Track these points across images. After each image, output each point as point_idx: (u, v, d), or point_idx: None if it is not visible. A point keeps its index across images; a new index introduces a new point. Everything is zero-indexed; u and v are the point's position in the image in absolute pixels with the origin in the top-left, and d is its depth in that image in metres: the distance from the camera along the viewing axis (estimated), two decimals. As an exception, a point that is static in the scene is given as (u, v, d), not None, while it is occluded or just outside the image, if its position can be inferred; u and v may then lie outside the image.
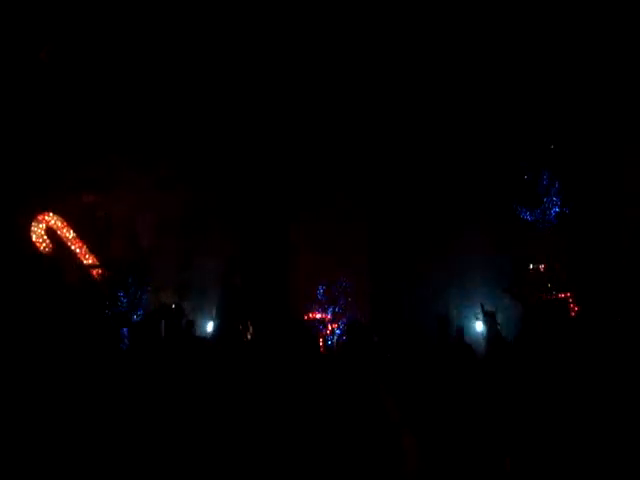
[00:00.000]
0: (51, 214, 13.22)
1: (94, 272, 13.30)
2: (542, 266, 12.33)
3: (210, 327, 11.01)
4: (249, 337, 11.43)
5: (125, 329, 11.94)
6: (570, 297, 12.04)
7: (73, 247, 13.27)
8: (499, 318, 10.60)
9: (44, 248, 13.06)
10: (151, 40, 12.05)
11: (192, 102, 12.86)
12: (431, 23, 11.75)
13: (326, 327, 12.29)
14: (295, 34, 11.87)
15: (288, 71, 12.49)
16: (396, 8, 11.49)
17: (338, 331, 12.17)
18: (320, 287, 12.57)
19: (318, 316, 12.43)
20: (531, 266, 12.55)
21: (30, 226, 12.97)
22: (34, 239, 12.97)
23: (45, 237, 13.09)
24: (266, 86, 12.70)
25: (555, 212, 12.59)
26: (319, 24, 11.70)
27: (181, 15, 11.65)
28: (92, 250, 13.32)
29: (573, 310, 11.89)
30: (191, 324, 10.44)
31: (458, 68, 12.25)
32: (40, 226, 13.10)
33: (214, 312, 11.34)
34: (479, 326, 11.43)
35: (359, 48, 12.06)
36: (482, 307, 8.50)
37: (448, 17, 11.69)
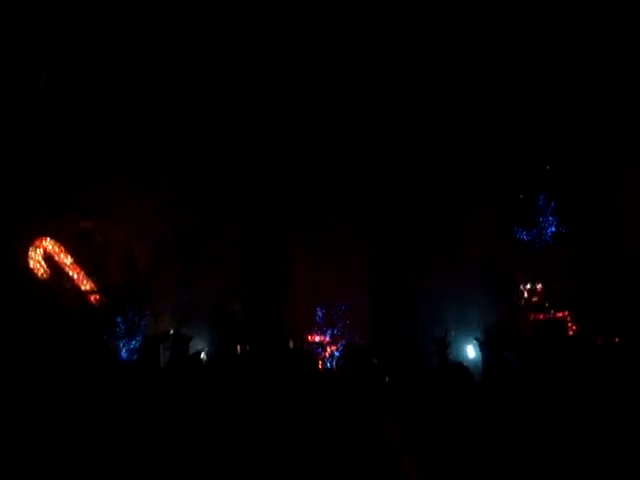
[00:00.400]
0: (49, 239, 13.21)
1: (92, 298, 13.28)
2: (539, 286, 12.37)
3: (203, 354, 10.96)
4: (246, 359, 11.45)
5: (124, 354, 11.95)
6: (568, 316, 12.07)
7: (71, 272, 13.25)
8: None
9: (42, 274, 13.03)
10: (146, 65, 12.12)
11: (189, 126, 12.90)
12: (431, 41, 11.84)
13: (325, 350, 12.27)
14: (294, 42, 11.92)
15: (287, 84, 12.54)
16: (392, 20, 11.54)
17: (337, 353, 12.15)
18: (319, 310, 12.57)
19: (317, 339, 12.42)
20: (529, 286, 12.58)
21: (28, 252, 12.96)
22: (32, 265, 12.96)
23: (43, 262, 13.08)
24: (264, 105, 12.75)
25: (551, 232, 12.65)
26: (321, 34, 11.75)
27: (176, 32, 11.71)
28: (90, 275, 13.30)
29: (571, 329, 11.92)
30: (188, 340, 10.37)
31: (455, 87, 12.32)
32: (38, 251, 13.08)
33: (210, 338, 11.30)
34: (470, 351, 11.44)
35: (360, 58, 12.10)
36: (485, 332, 8.41)
37: (448, 33, 11.79)
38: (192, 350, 10.32)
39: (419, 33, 11.69)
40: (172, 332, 11.75)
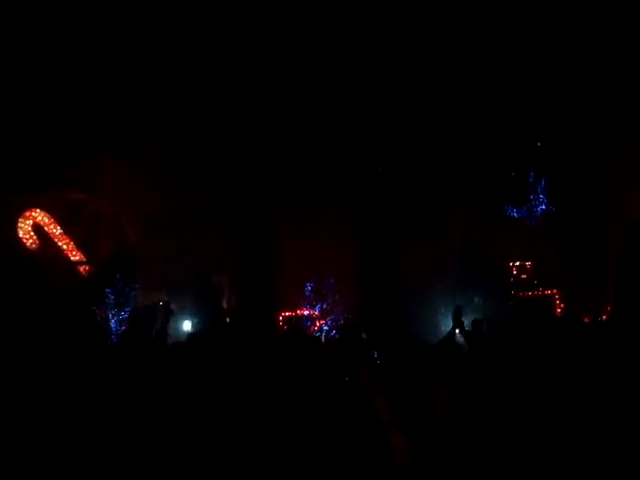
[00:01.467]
0: (38, 210, 13.17)
1: (81, 268, 13.28)
2: (529, 263, 12.45)
3: (187, 326, 10.93)
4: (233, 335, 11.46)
5: (113, 325, 11.97)
6: (556, 294, 12.16)
7: (60, 243, 13.24)
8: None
9: (31, 244, 13.03)
10: (136, 37, 11.99)
11: (179, 99, 12.81)
12: (415, 21, 11.77)
13: (314, 323, 12.33)
14: (269, 31, 11.85)
15: (267, 69, 12.45)
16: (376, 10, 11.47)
17: (326, 327, 12.22)
18: (308, 284, 12.60)
19: (306, 312, 12.47)
20: (517, 263, 12.66)
21: (17, 222, 12.93)
22: (21, 235, 12.94)
23: (32, 233, 13.05)
24: (248, 86, 12.68)
25: (541, 210, 12.70)
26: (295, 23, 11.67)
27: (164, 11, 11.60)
28: (79, 247, 13.29)
29: (559, 307, 12.02)
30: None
31: (441, 67, 12.27)
32: (27, 222, 13.06)
33: (191, 309, 11.29)
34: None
35: (338, 44, 12.02)
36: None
37: (431, 16, 11.72)
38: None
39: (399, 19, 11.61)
40: (161, 304, 11.75)
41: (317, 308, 12.39)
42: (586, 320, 10.08)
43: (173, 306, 10.49)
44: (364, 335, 8.65)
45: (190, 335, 8.35)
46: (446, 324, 11.47)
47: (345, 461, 3.66)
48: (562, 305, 11.94)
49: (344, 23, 11.77)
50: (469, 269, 12.04)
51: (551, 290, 12.18)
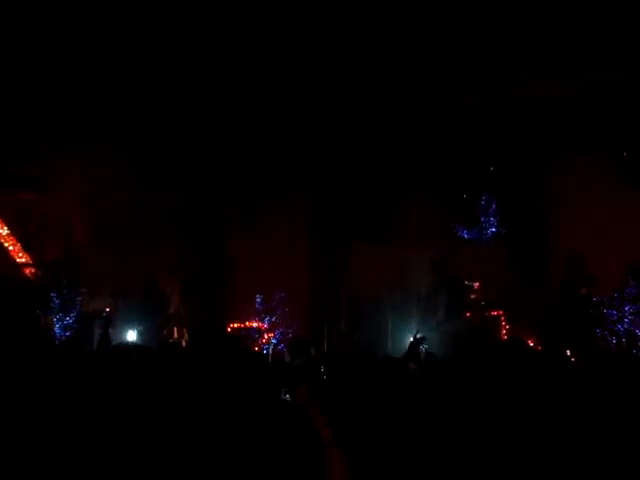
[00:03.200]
0: (-15, 210, 12.91)
1: (27, 271, 13.03)
2: (476, 284, 12.60)
3: (131, 336, 10.78)
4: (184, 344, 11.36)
5: (57, 330, 11.75)
6: (502, 315, 12.33)
7: (6, 244, 12.98)
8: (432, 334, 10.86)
9: (-25, 244, 12.75)
10: (91, 28, 11.72)
11: (133, 98, 12.62)
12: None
13: (262, 336, 12.28)
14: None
15: (226, 71, 12.36)
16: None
17: (274, 340, 12.18)
18: (258, 296, 12.56)
19: (255, 325, 12.42)
20: (466, 282, 12.82)
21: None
22: (-35, 234, 12.66)
23: (-23, 233, 12.78)
24: (207, 89, 12.58)
25: (492, 232, 12.90)
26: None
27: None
28: (26, 249, 13.04)
29: (504, 328, 12.18)
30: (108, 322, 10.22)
31: (400, 87, 12.39)
32: (-27, 221, 12.79)
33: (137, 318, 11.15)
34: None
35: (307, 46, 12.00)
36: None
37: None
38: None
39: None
40: (107, 311, 11.61)
41: (266, 321, 12.34)
42: (530, 343, 10.30)
43: (109, 315, 10.37)
44: (312, 350, 8.67)
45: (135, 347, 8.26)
46: (397, 337, 11.59)
47: (280, 475, 3.65)
48: (507, 326, 12.11)
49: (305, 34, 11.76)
50: (436, 286, 12.22)
51: (497, 311, 12.36)
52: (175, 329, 11.56)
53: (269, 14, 11.27)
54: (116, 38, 11.68)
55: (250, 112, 12.86)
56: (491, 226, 12.88)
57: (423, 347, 7.00)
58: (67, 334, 11.61)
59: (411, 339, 11.21)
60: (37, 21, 11.41)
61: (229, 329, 12.16)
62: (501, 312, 12.33)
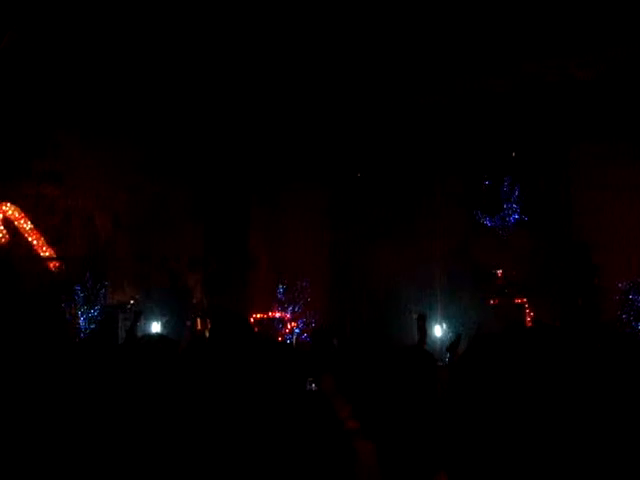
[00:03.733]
0: (9, 204, 13.00)
1: (51, 265, 13.13)
2: (499, 271, 12.53)
3: (155, 327, 10.83)
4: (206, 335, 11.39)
5: (82, 322, 11.85)
6: (526, 302, 12.26)
7: (30, 239, 13.07)
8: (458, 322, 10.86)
9: (0, 238, 12.85)
10: (108, 30, 11.79)
11: (153, 96, 12.68)
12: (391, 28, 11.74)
13: (285, 326, 12.32)
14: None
15: (241, 67, 12.34)
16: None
17: (297, 330, 12.21)
18: (280, 286, 12.59)
19: (277, 315, 12.46)
20: (489, 270, 12.75)
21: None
22: (-10, 229, 12.78)
23: (2, 227, 12.87)
24: (222, 86, 12.57)
25: (514, 219, 12.81)
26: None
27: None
28: (50, 243, 13.14)
29: (529, 315, 12.11)
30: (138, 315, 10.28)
31: (419, 77, 12.30)
32: (-3, 216, 12.90)
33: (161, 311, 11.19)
34: (437, 331, 11.55)
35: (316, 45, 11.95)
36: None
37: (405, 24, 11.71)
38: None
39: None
40: (131, 303, 11.69)
41: (289, 311, 12.37)
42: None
43: (139, 308, 10.42)
44: (335, 341, 8.65)
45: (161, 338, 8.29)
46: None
47: (308, 468, 3.62)
48: (532, 314, 12.03)
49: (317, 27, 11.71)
50: (457, 275, 12.16)
51: (521, 299, 12.28)
52: (199, 320, 11.61)
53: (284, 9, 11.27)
54: (134, 36, 11.77)
55: (272, 106, 12.87)
56: (513, 213, 12.80)
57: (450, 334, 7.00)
58: (92, 326, 11.71)
59: (438, 331, 11.26)
60: (56, 20, 11.50)
61: (252, 319, 12.20)
62: (525, 299, 12.26)
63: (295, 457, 3.56)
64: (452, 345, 6.61)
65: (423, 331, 6.89)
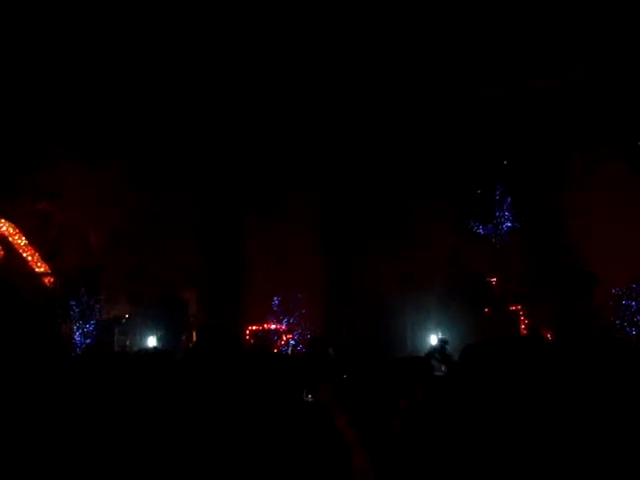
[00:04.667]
0: (3, 220, 13.01)
1: (46, 280, 13.12)
2: (494, 279, 12.57)
3: (151, 341, 10.83)
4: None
5: (78, 338, 11.85)
6: (521, 310, 12.29)
7: (25, 254, 13.07)
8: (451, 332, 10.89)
9: (-5, 255, 12.86)
10: (101, 37, 11.81)
11: (147, 110, 12.72)
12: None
13: (280, 338, 12.32)
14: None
15: (233, 77, 12.39)
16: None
17: (292, 342, 12.21)
18: (275, 298, 12.60)
19: (273, 326, 12.47)
20: (483, 278, 12.78)
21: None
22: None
23: (-4, 243, 12.89)
24: (214, 100, 12.62)
25: (507, 227, 12.87)
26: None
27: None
28: (44, 258, 13.13)
29: (523, 322, 12.14)
30: None
31: (411, 84, 12.37)
32: (-9, 232, 12.89)
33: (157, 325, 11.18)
34: (433, 340, 11.56)
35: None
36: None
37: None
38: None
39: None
40: (126, 317, 11.70)
41: (284, 322, 12.39)
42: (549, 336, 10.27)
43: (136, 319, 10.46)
44: (331, 350, 8.66)
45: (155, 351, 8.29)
46: (415, 338, 11.57)
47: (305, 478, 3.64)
48: (526, 321, 12.07)
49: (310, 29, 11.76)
50: (451, 284, 12.18)
51: (515, 306, 12.31)
52: (194, 333, 11.61)
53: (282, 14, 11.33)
54: (128, 49, 11.82)
55: (261, 115, 12.90)
56: (506, 221, 12.85)
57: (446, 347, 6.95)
58: (87, 341, 11.71)
59: (434, 340, 11.26)
60: (51, 32, 11.55)
61: (248, 331, 12.21)
62: (519, 307, 12.29)
63: (293, 467, 3.59)
64: (443, 356, 6.59)
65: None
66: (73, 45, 11.84)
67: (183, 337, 11.34)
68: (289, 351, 11.84)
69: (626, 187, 11.79)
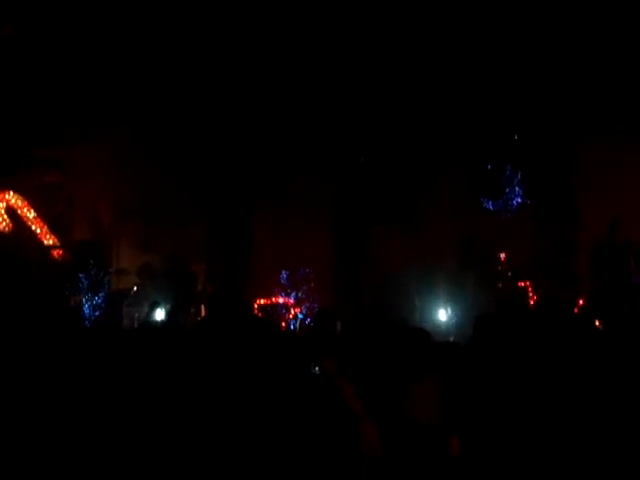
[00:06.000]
0: (11, 193, 13.03)
1: (55, 253, 13.17)
2: (502, 255, 12.50)
3: (159, 315, 10.83)
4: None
5: (87, 310, 11.90)
6: (529, 285, 12.23)
7: (34, 227, 13.10)
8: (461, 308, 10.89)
9: (4, 227, 12.89)
10: (112, 20, 11.78)
11: (158, 85, 12.67)
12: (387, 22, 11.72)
13: (289, 311, 12.34)
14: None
15: (243, 61, 12.33)
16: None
17: (300, 315, 12.22)
18: (283, 272, 12.60)
19: (281, 300, 12.48)
20: (493, 254, 12.72)
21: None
22: (-7, 217, 12.81)
23: (5, 216, 12.91)
24: (227, 77, 12.56)
25: (517, 202, 12.79)
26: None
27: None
28: (53, 230, 13.16)
29: (532, 299, 12.09)
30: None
31: (417, 63, 12.25)
32: (0, 205, 12.91)
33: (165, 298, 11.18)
34: (442, 315, 11.55)
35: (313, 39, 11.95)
36: None
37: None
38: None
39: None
40: (135, 290, 11.72)
41: (292, 296, 12.39)
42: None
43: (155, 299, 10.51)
44: (339, 324, 8.68)
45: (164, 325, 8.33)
46: (423, 312, 11.56)
47: (314, 449, 3.65)
48: (535, 297, 12.02)
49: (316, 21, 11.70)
50: (461, 259, 12.14)
51: (524, 282, 12.26)
52: (203, 307, 11.63)
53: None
54: (140, 31, 11.80)
55: (269, 96, 12.85)
56: (516, 196, 12.78)
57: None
58: (96, 314, 11.76)
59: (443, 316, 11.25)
60: (56, 13, 11.51)
61: (256, 305, 12.22)
62: (528, 282, 12.23)
63: (302, 439, 3.59)
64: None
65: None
66: (81, 23, 11.78)
67: (192, 310, 11.34)
68: (297, 325, 11.85)
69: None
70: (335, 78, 12.65)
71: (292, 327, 11.77)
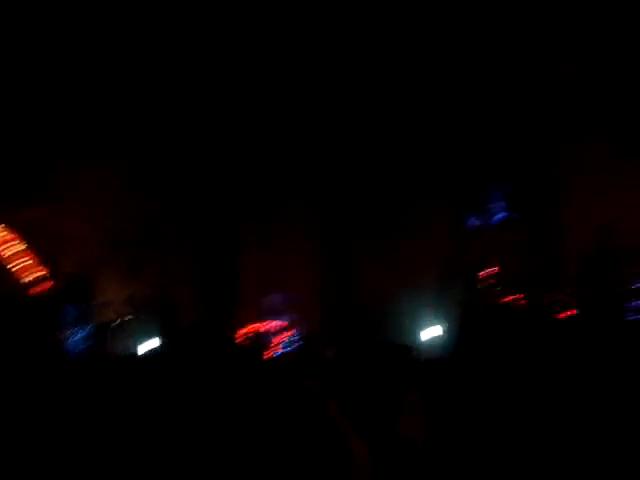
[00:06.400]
0: (1, 227, 13.00)
1: (42, 285, 13.10)
2: (490, 270, 12.54)
3: (144, 346, 10.79)
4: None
5: (72, 342, 11.83)
6: (521, 299, 12.25)
7: (23, 260, 13.05)
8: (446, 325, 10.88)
9: (-4, 260, 12.84)
10: (102, 51, 11.85)
11: (144, 113, 12.72)
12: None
13: (275, 338, 12.30)
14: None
15: (227, 83, 12.40)
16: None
17: (286, 342, 12.18)
18: (269, 299, 12.59)
19: (267, 326, 12.44)
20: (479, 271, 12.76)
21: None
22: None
23: (-3, 249, 12.86)
24: (210, 102, 12.63)
25: (502, 217, 12.86)
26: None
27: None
28: (42, 263, 13.10)
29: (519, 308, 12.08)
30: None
31: (405, 79, 12.36)
32: (-8, 238, 12.88)
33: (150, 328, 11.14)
34: (430, 333, 11.55)
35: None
36: None
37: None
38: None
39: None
40: (119, 321, 11.68)
41: (278, 322, 12.37)
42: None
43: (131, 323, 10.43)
44: (332, 350, 8.63)
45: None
46: (411, 331, 11.55)
47: (303, 469, 3.62)
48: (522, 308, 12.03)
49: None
50: (448, 277, 12.16)
51: (514, 295, 12.28)
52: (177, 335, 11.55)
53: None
54: (129, 55, 11.85)
55: (252, 114, 12.90)
56: (501, 211, 12.85)
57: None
58: (82, 345, 11.70)
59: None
60: (52, 34, 11.55)
61: (244, 332, 12.18)
62: (520, 296, 12.25)
63: (291, 456, 3.57)
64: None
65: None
66: (69, 45, 11.80)
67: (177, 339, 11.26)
68: (284, 351, 11.80)
69: (622, 174, 11.86)
70: (317, 101, 12.73)
71: (280, 352, 11.73)
